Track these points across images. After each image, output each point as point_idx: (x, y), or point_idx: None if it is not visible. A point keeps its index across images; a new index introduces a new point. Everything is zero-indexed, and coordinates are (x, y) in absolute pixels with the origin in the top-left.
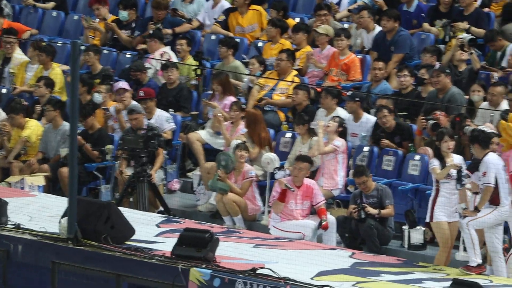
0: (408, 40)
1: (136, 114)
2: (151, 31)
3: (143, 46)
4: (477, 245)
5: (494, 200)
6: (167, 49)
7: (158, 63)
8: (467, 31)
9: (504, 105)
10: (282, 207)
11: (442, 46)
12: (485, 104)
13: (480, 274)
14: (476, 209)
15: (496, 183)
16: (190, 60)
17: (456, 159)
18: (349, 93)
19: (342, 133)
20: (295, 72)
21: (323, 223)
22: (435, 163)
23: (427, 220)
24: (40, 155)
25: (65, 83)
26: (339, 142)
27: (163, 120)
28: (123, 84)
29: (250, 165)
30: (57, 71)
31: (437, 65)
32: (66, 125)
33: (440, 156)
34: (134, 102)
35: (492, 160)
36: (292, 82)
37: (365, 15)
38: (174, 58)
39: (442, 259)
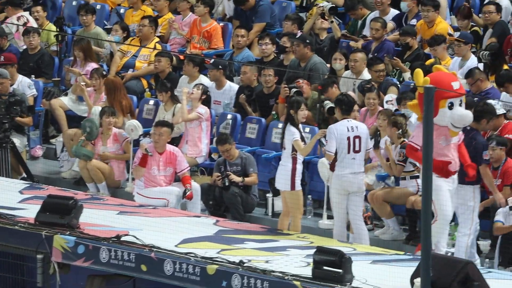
0: (269, 9)
1: (2, 79)
2: None
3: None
4: None
5: (331, 167)
6: (26, 13)
7: (13, 26)
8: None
9: (366, 73)
10: (143, 172)
11: (303, 14)
12: (347, 73)
13: None
14: None
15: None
16: (50, 26)
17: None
18: (212, 60)
19: (206, 101)
20: (157, 39)
21: (187, 193)
22: (296, 135)
23: (288, 189)
24: None
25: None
26: (202, 109)
27: (25, 86)
28: None
29: None
30: None
31: (299, 33)
32: None
33: (294, 124)
34: None
35: (336, 129)
36: (154, 49)
37: None
38: (33, 22)
39: (296, 226)
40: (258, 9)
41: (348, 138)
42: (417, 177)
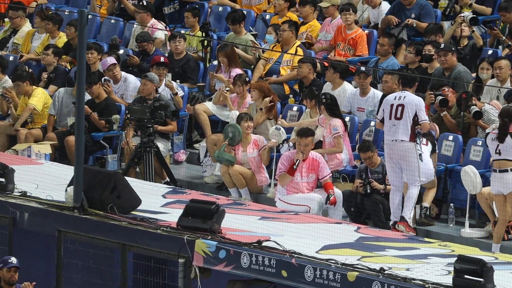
0: (432, 9)
1: (146, 80)
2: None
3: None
4: None
5: None
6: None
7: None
8: (470, 6)
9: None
10: (289, 180)
11: (447, 23)
12: (492, 82)
13: None
14: None
15: None
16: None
17: None
18: (362, 68)
19: (333, 112)
20: (298, 43)
21: (330, 198)
22: None
23: None
24: (52, 118)
25: None
26: (337, 127)
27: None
28: (111, 60)
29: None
30: (63, 39)
31: (442, 44)
32: None
33: None
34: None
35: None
36: (295, 54)
37: None
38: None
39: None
40: (424, 7)
41: (392, 106)
42: None
